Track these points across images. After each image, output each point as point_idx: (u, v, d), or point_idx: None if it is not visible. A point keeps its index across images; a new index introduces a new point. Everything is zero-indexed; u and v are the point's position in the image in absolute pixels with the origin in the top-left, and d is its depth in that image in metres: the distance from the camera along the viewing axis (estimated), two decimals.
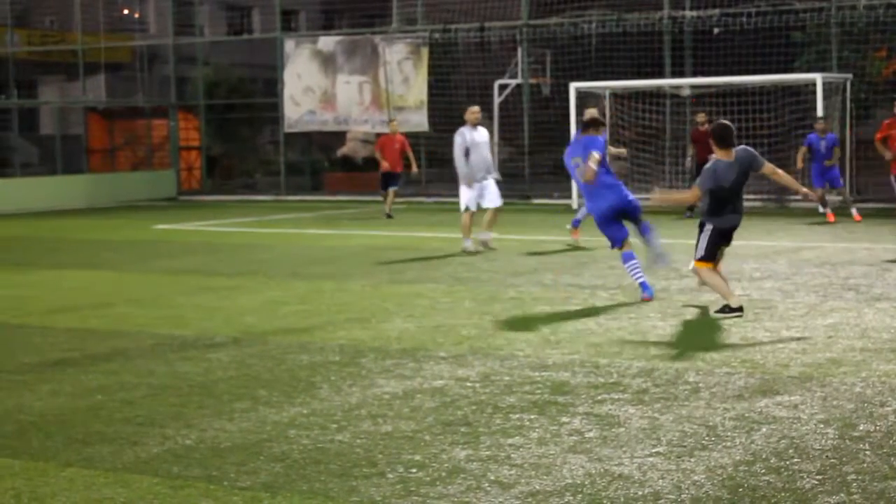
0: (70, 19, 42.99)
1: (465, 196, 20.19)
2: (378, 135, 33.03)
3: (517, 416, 8.88)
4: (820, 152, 25.78)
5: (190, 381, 10.42)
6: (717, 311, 13.40)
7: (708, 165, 13.39)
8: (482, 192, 20.20)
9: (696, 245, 13.62)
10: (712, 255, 13.60)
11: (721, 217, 13.47)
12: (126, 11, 49.24)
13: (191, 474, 7.59)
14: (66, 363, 11.35)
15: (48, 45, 45.45)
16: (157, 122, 41.60)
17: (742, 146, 13.49)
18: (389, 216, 28.43)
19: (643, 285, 14.60)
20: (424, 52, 35.70)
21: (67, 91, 45.51)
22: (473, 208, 20.20)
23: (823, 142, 25.74)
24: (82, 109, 41.67)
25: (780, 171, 13.68)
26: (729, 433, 8.25)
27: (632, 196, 15.16)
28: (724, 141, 13.27)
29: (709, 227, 13.53)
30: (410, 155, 29.42)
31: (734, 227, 13.65)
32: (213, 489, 7.28)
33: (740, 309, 13.26)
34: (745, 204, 13.96)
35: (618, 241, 14.91)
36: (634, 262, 14.77)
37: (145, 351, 11.88)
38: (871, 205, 28.74)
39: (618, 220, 14.97)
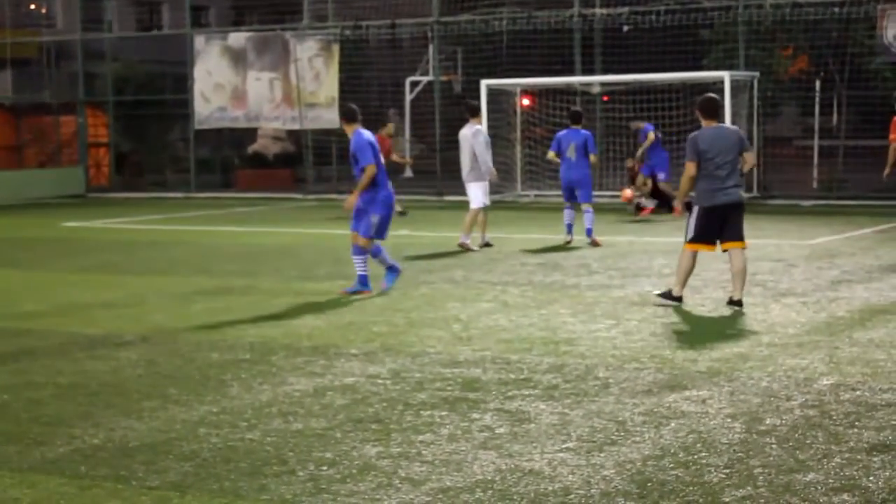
0: None
1: (484, 193, 20.25)
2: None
3: (428, 412, 8.89)
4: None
5: (98, 379, 10.32)
6: (658, 294, 13.80)
7: (690, 136, 13.72)
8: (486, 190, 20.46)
9: (685, 227, 13.78)
10: (701, 237, 13.58)
11: (706, 194, 13.51)
12: (33, 6, 48.59)
13: (98, 474, 7.52)
14: None
15: None
16: (65, 119, 41.05)
17: (737, 127, 13.78)
18: (403, 213, 27.44)
19: (363, 278, 15.04)
20: (335, 48, 35.60)
21: None
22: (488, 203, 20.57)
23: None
24: None
25: (750, 165, 13.99)
26: (638, 428, 8.32)
27: None
28: (708, 112, 13.68)
29: (695, 208, 13.62)
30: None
31: (723, 206, 13.47)
32: (121, 489, 7.22)
33: (679, 299, 13.65)
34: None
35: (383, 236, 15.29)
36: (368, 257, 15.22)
37: (53, 350, 11.74)
38: (777, 201, 29.11)
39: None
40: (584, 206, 20.67)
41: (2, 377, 10.49)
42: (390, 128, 28.15)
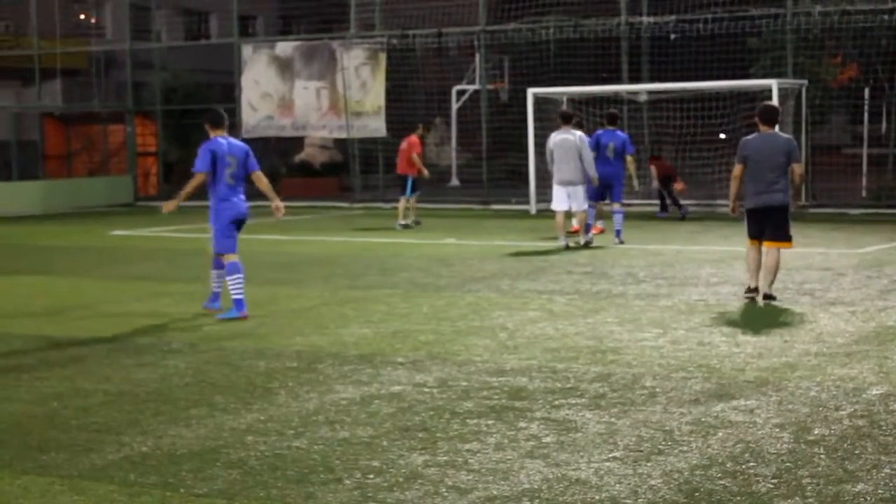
0: (26, 24, 42.72)
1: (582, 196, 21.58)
2: (402, 137, 29.11)
3: (474, 421, 8.89)
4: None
5: (146, 387, 10.37)
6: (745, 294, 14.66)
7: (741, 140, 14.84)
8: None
9: None
10: (752, 233, 14.58)
11: (749, 197, 14.48)
12: (83, 16, 48.96)
13: (147, 481, 7.55)
14: (21, 370, 11.27)
15: (3, 49, 45.07)
16: (114, 128, 41.35)
17: (789, 136, 14.90)
18: (417, 222, 27.24)
19: (238, 303, 14.26)
20: (382, 57, 35.68)
21: (23, 96, 45.16)
22: None
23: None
24: (38, 115, 41.38)
25: (799, 176, 14.64)
26: (685, 438, 8.28)
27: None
28: (763, 119, 14.55)
29: (743, 209, 14.65)
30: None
31: (763, 209, 14.39)
32: (169, 496, 7.25)
33: (755, 290, 14.53)
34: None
35: (231, 250, 14.68)
36: (240, 276, 14.42)
37: (101, 357, 11.81)
38: (825, 210, 28.92)
39: (235, 231, 14.79)
40: (616, 206, 22.31)
41: (51, 384, 10.56)
42: (421, 130, 27.79)
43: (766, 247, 14.49)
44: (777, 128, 14.68)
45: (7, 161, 39.45)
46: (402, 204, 27.34)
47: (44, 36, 41.79)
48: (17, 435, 8.81)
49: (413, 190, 27.13)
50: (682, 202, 28.44)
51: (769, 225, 14.42)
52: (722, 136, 30.60)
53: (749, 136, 14.70)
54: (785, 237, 14.51)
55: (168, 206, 14.79)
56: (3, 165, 39.73)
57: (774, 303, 14.34)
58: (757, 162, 14.33)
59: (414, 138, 27.06)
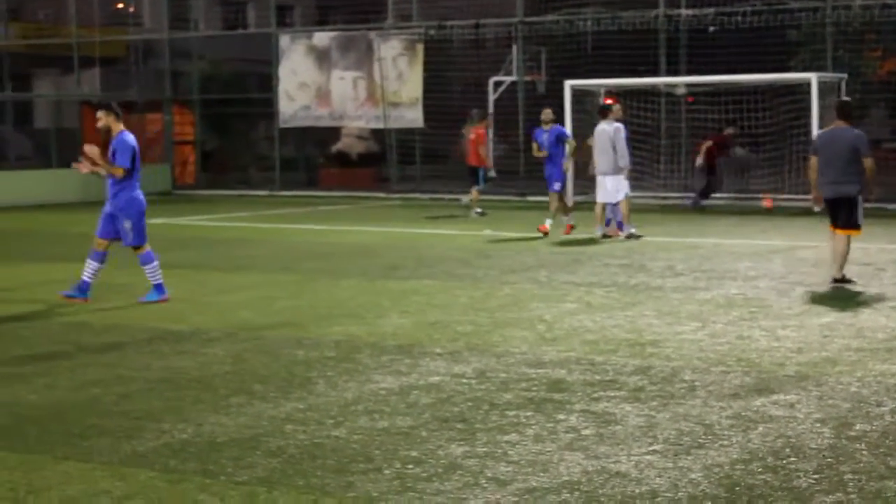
0: (65, 13, 42.87)
1: (625, 185, 21.97)
2: (462, 127, 30.05)
3: (514, 412, 8.88)
4: (543, 146, 23.39)
5: (186, 375, 10.41)
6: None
7: None
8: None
9: None
10: (832, 221, 15.43)
11: (822, 187, 15.33)
12: (121, 5, 49.10)
13: (187, 468, 7.58)
14: (61, 357, 11.34)
15: (43, 38, 45.30)
16: (152, 117, 41.43)
17: (859, 131, 15.44)
18: (483, 213, 27.78)
19: (159, 287, 14.84)
20: (419, 48, 35.67)
21: (62, 84, 45.36)
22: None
23: (546, 135, 23.36)
24: (77, 103, 41.54)
25: (869, 171, 15.22)
26: (725, 432, 8.25)
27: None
28: (837, 113, 15.57)
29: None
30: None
31: (832, 199, 15.26)
32: (209, 483, 7.28)
33: (838, 280, 15.06)
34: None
35: (146, 240, 15.16)
36: (156, 262, 15.02)
37: (141, 345, 11.87)
38: (864, 205, 28.67)
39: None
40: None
41: (92, 371, 10.62)
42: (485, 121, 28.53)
43: (837, 233, 15.28)
44: (850, 122, 15.40)
45: (46, 149, 39.63)
46: (474, 194, 28.19)
47: (82, 24, 41.94)
48: (59, 421, 8.86)
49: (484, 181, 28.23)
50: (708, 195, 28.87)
51: (840, 214, 15.26)
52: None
53: (821, 131, 15.95)
54: (853, 225, 15.27)
55: (92, 151, 15.29)
56: (42, 153, 39.90)
57: (848, 285, 15.00)
58: (825, 155, 15.17)
59: (482, 130, 27.84)
